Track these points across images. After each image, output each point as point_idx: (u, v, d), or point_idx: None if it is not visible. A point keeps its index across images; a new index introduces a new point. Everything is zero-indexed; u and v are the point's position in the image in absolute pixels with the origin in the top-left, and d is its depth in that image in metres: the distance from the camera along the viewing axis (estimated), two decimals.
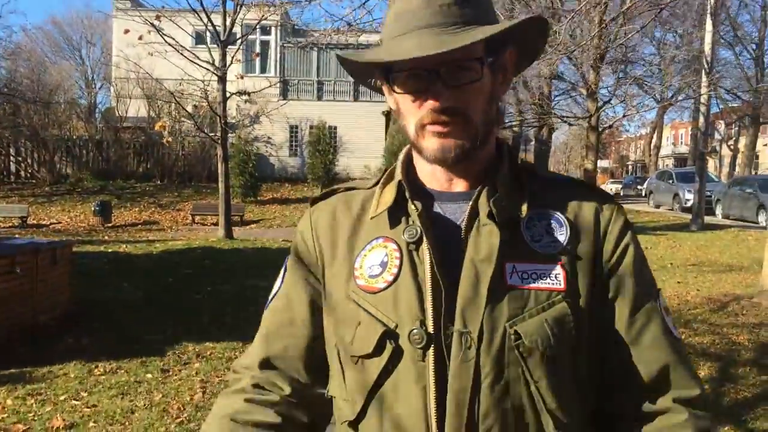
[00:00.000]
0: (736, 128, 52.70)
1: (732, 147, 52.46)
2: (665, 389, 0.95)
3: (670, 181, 24.72)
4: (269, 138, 29.52)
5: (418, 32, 0.90)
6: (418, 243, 0.95)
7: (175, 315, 7.57)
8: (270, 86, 16.95)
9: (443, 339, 0.90)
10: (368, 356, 0.94)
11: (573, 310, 0.92)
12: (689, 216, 20.76)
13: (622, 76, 16.40)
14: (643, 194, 37.85)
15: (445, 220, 0.98)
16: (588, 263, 0.96)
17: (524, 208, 0.96)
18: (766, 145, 47.77)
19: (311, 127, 28.12)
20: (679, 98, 27.92)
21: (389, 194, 1.01)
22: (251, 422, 1.01)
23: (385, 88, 1.01)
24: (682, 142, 65.68)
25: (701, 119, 16.33)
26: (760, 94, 39.53)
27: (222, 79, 15.93)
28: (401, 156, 1.06)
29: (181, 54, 14.95)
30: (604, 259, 0.97)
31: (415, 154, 1.04)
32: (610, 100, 14.79)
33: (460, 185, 1.00)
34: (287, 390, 1.05)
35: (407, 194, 0.99)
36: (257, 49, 29.56)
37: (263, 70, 29.37)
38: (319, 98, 30.18)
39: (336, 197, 1.10)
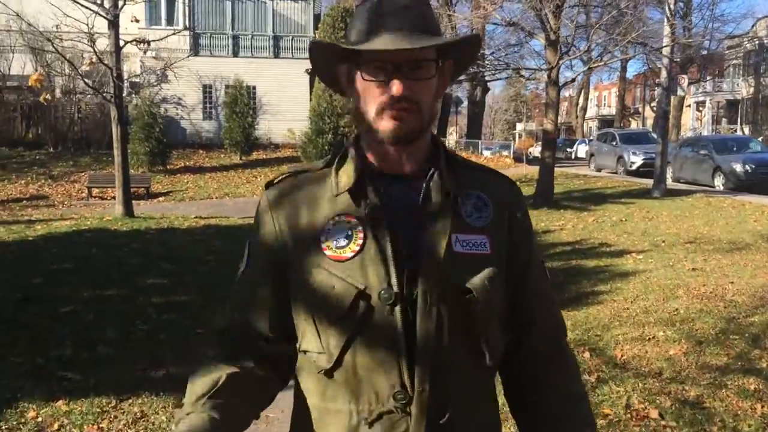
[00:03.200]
0: (658, 89, 52.92)
1: (655, 108, 52.68)
2: (552, 326, 1.25)
3: (614, 143, 23.44)
4: (180, 99, 26.46)
5: (391, 32, 1.08)
6: (377, 218, 1.11)
7: (21, 346, 5.18)
8: (173, 33, 14.22)
9: (407, 296, 1.08)
10: (343, 314, 1.09)
11: (498, 269, 1.15)
12: (636, 180, 19.51)
13: (581, 23, 14.66)
14: (573, 156, 37.01)
15: (398, 197, 1.15)
16: (504, 234, 1.19)
17: (459, 188, 1.17)
18: (689, 106, 47.85)
19: (227, 87, 25.24)
20: (616, 56, 26.51)
21: (347, 176, 1.15)
22: (231, 363, 1.16)
23: (345, 78, 1.18)
24: (605, 104, 65.81)
25: (663, 73, 14.80)
26: (689, 53, 39.27)
27: (114, 24, 13.12)
28: (351, 140, 1.22)
29: None
30: (514, 231, 1.21)
31: (365, 137, 1.18)
32: (569, 50, 12.92)
33: (406, 168, 1.16)
34: (255, 357, 1.18)
35: (365, 176, 1.14)
36: None
37: (170, 21, 26.11)
38: (235, 54, 27.22)
39: (290, 179, 1.21)
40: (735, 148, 18.05)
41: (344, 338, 1.09)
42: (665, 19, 14.26)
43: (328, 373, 1.11)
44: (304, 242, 1.14)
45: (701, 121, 49.00)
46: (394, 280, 1.07)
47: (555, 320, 1.26)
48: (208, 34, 26.95)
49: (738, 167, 16.59)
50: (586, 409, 1.24)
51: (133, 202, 15.07)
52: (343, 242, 1.11)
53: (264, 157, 25.11)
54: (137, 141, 21.46)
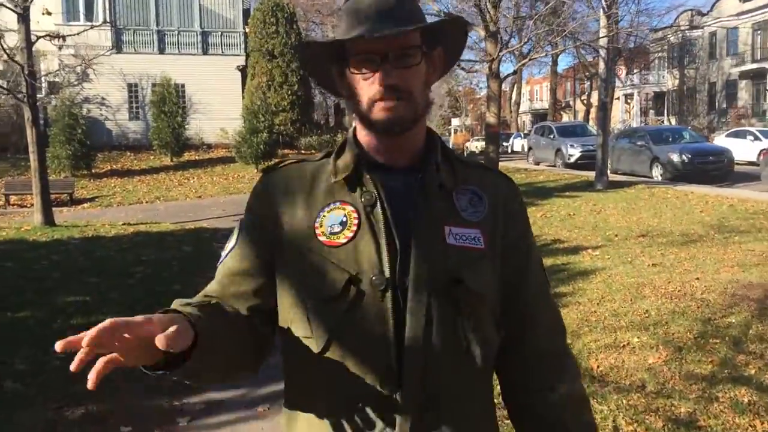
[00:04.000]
0: (588, 83, 53.98)
1: (585, 101, 53.73)
2: (552, 326, 1.23)
3: (551, 136, 23.50)
4: (103, 99, 25.14)
5: (374, 22, 1.08)
6: (373, 206, 1.11)
7: None
8: (91, 27, 13.26)
9: (398, 284, 1.07)
10: (334, 299, 1.08)
11: (492, 264, 1.14)
12: (577, 172, 19.56)
13: (519, 13, 14.39)
14: (509, 150, 37.19)
15: (393, 187, 1.14)
16: (499, 229, 1.17)
17: (455, 182, 1.17)
18: (618, 98, 48.94)
19: (154, 85, 24.06)
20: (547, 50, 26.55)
21: (345, 165, 1.16)
22: (225, 305, 1.14)
23: (337, 76, 1.17)
24: (537, 98, 66.83)
25: (601, 65, 14.74)
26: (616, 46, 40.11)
27: (24, 18, 12.08)
28: (350, 132, 1.21)
29: None
30: (510, 228, 1.18)
31: (361, 130, 1.18)
32: (509, 41, 12.62)
33: (402, 160, 1.16)
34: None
35: (363, 165, 1.14)
36: None
37: (89, 17, 24.70)
38: (161, 51, 26.04)
39: (287, 167, 1.22)
40: (671, 139, 18.26)
41: (333, 323, 1.08)
42: (601, 11, 14.21)
43: (316, 358, 1.09)
44: (299, 227, 1.14)
45: (630, 113, 50.29)
46: (386, 267, 1.07)
47: (556, 320, 1.24)
48: (131, 30, 25.68)
49: (675, 157, 16.74)
50: (589, 411, 1.22)
51: (56, 209, 14.05)
52: (337, 228, 1.11)
53: (196, 157, 24.11)
54: (58, 144, 20.20)
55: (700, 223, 9.48)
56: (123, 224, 12.95)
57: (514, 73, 14.59)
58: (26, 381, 4.51)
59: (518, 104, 53.25)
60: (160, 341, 0.87)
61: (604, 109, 14.98)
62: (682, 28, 39.46)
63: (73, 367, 0.83)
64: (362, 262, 1.08)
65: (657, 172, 17.37)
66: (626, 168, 18.76)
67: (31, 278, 7.73)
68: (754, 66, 37.72)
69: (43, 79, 24.79)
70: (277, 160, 1.28)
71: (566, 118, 56.03)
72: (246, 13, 27.50)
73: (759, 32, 38.05)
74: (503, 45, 12.28)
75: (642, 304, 5.48)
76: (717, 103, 41.27)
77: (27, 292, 7.04)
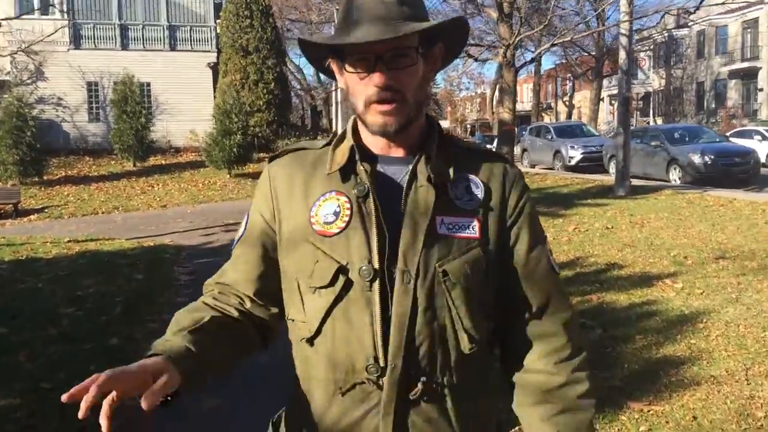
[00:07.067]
0: (570, 83, 52.77)
1: (567, 103, 52.43)
2: (549, 312, 1.21)
3: (549, 137, 21.78)
4: (60, 99, 22.86)
5: (368, 23, 1.09)
6: (365, 197, 1.14)
7: None
8: (32, 13, 11.12)
9: (386, 275, 1.11)
10: (324, 287, 1.13)
11: (485, 253, 1.15)
12: (587, 176, 17.78)
13: None
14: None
15: (387, 179, 1.17)
16: (496, 216, 1.18)
17: (451, 172, 1.17)
18: (602, 99, 47.65)
19: (115, 84, 21.88)
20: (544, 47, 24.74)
21: (341, 155, 1.18)
22: (217, 308, 1.22)
23: (336, 70, 1.19)
24: (518, 100, 65.49)
25: (622, 54, 13.00)
26: (603, 47, 38.83)
27: None
28: (350, 123, 1.23)
29: None
30: (507, 213, 1.20)
31: (360, 123, 1.20)
32: (522, 25, 10.80)
33: (398, 151, 1.19)
34: (244, 304, 1.24)
35: (357, 156, 1.17)
36: None
37: (45, 11, 22.42)
38: (125, 47, 23.82)
39: (290, 155, 1.25)
40: (687, 138, 16.61)
41: (324, 309, 1.12)
42: None
43: (310, 342, 1.16)
44: (296, 216, 1.18)
45: (614, 114, 49.02)
46: (375, 258, 1.10)
47: (552, 302, 1.22)
48: (91, 24, 23.42)
49: (697, 159, 15.06)
50: (569, 397, 1.19)
51: None
52: (331, 218, 1.14)
53: (163, 162, 21.96)
54: (4, 148, 17.97)
55: None
56: (69, 241, 10.88)
57: (533, 61, 12.82)
58: None
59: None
60: (149, 399, 0.93)
61: (626, 104, 13.24)
62: (688, 23, 38.13)
63: (81, 414, 0.89)
64: (352, 253, 1.11)
65: (675, 175, 15.69)
66: (638, 171, 16.92)
67: None
68: (744, 65, 36.64)
69: None
70: (282, 150, 1.20)
71: (547, 119, 54.70)
72: (217, 6, 25.43)
73: (749, 30, 36.92)
74: (519, 29, 10.45)
75: None
76: (706, 103, 40.10)
77: None
